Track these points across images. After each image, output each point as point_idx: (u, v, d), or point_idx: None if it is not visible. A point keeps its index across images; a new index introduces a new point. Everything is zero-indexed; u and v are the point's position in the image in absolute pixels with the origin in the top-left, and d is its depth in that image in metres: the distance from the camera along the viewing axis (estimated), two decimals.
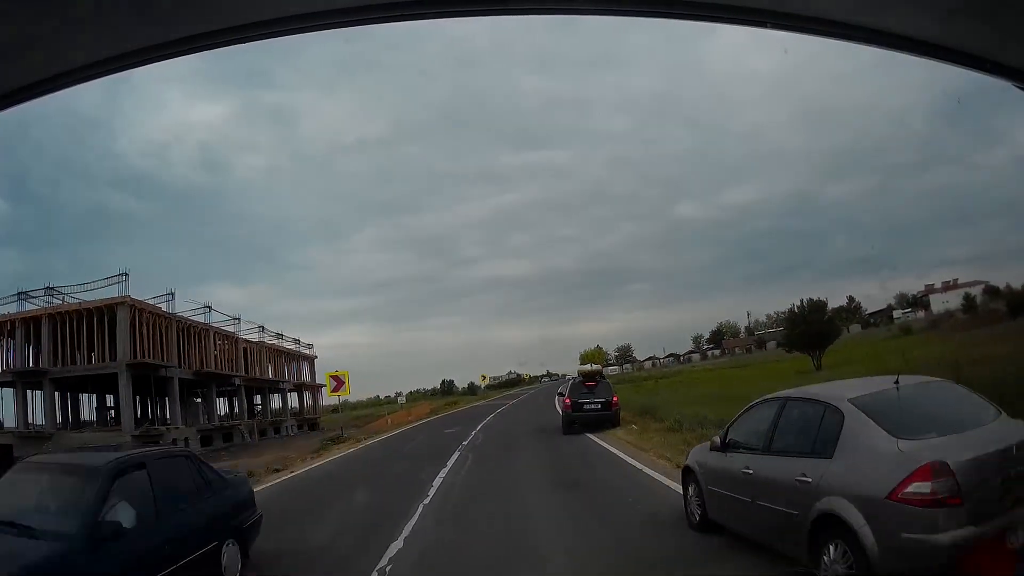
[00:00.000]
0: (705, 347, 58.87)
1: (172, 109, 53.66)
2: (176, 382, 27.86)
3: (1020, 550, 3.71)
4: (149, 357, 26.34)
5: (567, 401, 18.65)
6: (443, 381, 66.85)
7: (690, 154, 61.78)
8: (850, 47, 2.81)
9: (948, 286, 38.46)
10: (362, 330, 57.64)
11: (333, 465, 15.07)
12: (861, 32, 1.80)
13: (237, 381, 32.42)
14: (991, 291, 33.74)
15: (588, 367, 20.59)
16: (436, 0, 1.80)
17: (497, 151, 68.92)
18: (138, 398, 30.47)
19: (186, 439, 28.11)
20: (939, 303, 38.66)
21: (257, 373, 34.60)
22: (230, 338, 32.65)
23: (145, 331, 26.47)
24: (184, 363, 28.61)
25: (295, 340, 39.91)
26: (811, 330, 33.78)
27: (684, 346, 57.47)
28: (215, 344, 31.58)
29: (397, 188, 63.16)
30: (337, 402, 41.40)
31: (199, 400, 32.62)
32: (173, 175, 50.69)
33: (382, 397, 53.34)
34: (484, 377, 57.44)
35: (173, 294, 28.24)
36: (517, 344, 66.65)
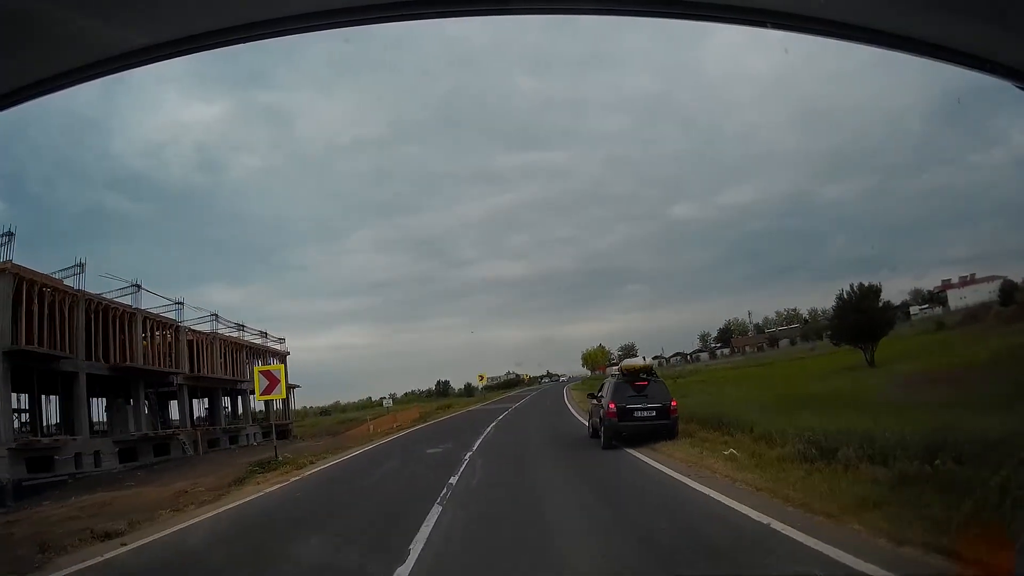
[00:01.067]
0: (713, 346, 55.96)
1: (169, 109, 51.92)
2: (83, 379, 20.50)
3: (1020, 548, 3.30)
4: (41, 344, 18.99)
5: (612, 407, 12.42)
6: (438, 382, 62.57)
7: (688, 154, 59.71)
8: (849, 47, 2.72)
9: (965, 281, 35.96)
10: (358, 331, 55.70)
11: (209, 528, 7.87)
12: (861, 32, 1.71)
13: (177, 380, 25.09)
14: (1010, 286, 30.88)
15: (639, 360, 13.87)
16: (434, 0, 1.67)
17: (494, 151, 66.03)
18: (44, 398, 23.18)
19: (96, 453, 20.78)
20: (956, 298, 36.35)
21: (208, 371, 27.30)
22: (169, 327, 25.31)
23: (36, 310, 19.16)
24: (97, 355, 21.29)
25: (261, 333, 32.74)
26: (864, 319, 27.49)
27: (684, 346, 54.31)
28: (146, 333, 24.27)
29: (394, 188, 60.96)
30: (272, 403, 34.64)
31: (129, 403, 25.15)
32: (170, 176, 49.62)
33: (375, 399, 49.32)
34: (482, 377, 51.16)
35: (83, 265, 20.94)
36: (515, 344, 64.43)
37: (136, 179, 47.99)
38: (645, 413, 12.69)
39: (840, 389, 17.11)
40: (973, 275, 35.31)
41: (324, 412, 53.46)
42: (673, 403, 12.98)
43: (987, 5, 1.55)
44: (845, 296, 29.26)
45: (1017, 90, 1.75)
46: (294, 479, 11.46)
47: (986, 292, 32.34)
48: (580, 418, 21.13)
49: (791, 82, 55.32)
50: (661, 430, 12.24)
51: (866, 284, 29.02)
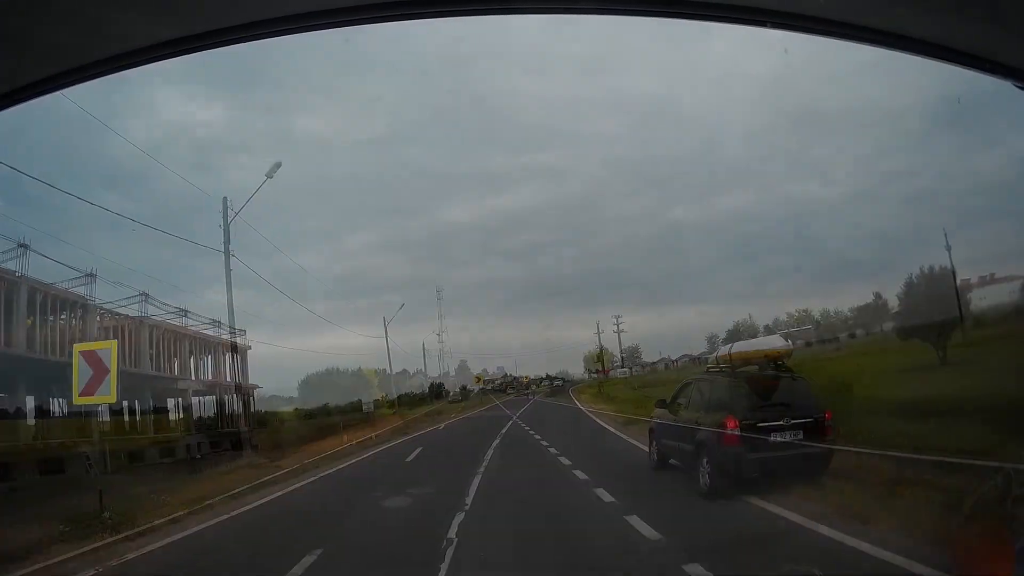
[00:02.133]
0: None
1: (169, 110, 48.48)
2: None
3: (1020, 550, 2.93)
4: None
5: (731, 425, 7.05)
6: (432, 384, 58.18)
7: (687, 155, 56.09)
8: (849, 47, 2.28)
9: (985, 280, 33.74)
10: (356, 332, 51.59)
11: None
12: (861, 32, 1.68)
13: None
14: None
15: (772, 341, 8.01)
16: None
17: (494, 152, 62.59)
18: None
19: None
20: (976, 298, 34.25)
21: (133, 364, 20.90)
22: (75, 306, 18.91)
23: None
24: None
25: (214, 321, 26.32)
26: (939, 310, 22.49)
27: (686, 348, 49.90)
28: (39, 311, 17.89)
29: (394, 189, 57.41)
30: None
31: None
32: (169, 176, 46.51)
33: (366, 401, 44.99)
34: (479, 379, 45.36)
35: None
36: (512, 346, 61.60)
37: (136, 180, 46.20)
38: (789, 437, 7.05)
39: (965, 394, 11.65)
40: (993, 274, 32.86)
41: (309, 416, 48.43)
42: (827, 415, 7.35)
43: (987, 5, 1.51)
44: (915, 282, 24.34)
45: (1017, 90, 1.69)
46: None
47: (1007, 291, 31.29)
48: (613, 430, 16.51)
49: (791, 82, 52.58)
50: (812, 465, 7.01)
51: (936, 267, 24.18)
